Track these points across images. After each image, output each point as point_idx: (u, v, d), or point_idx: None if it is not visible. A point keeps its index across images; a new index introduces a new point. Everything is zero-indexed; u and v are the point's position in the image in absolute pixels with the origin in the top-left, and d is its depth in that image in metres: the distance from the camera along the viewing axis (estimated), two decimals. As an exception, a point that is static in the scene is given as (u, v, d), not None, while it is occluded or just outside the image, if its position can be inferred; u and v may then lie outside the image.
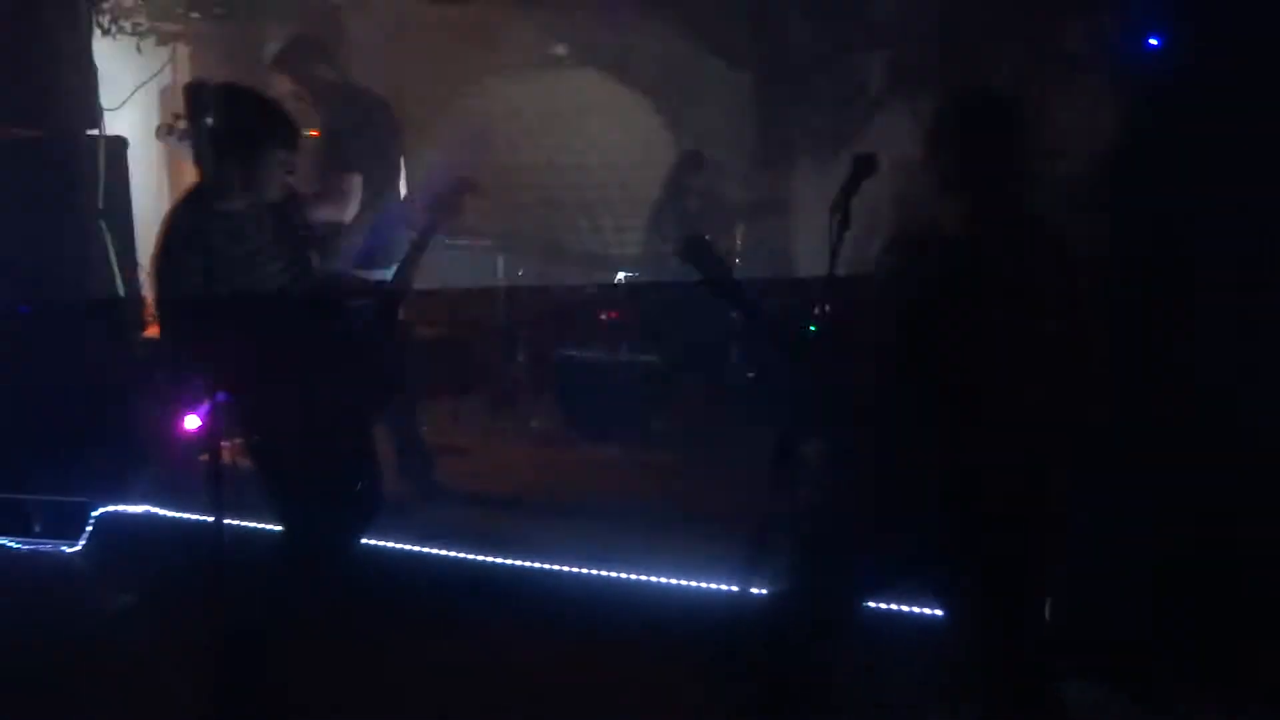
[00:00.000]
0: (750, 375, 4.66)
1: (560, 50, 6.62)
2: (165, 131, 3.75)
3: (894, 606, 2.98)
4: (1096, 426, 2.14)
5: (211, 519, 2.27)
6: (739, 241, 5.09)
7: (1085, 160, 2.99)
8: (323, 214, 3.52)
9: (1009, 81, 3.50)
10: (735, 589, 3.07)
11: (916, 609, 2.98)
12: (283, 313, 2.66)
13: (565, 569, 3.35)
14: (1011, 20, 3.74)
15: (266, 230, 2.66)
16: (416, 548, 3.50)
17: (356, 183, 3.67)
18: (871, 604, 2.59)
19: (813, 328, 2.05)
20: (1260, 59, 2.71)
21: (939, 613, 2.55)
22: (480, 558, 3.43)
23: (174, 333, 2.76)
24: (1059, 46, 3.50)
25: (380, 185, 3.79)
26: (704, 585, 3.24)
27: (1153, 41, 2.99)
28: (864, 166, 2.01)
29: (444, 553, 3.47)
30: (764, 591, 2.25)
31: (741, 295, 2.26)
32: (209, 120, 2.07)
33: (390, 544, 3.47)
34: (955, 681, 2.40)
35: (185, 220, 2.53)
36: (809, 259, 5.06)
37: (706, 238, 2.33)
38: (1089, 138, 3.08)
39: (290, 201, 2.80)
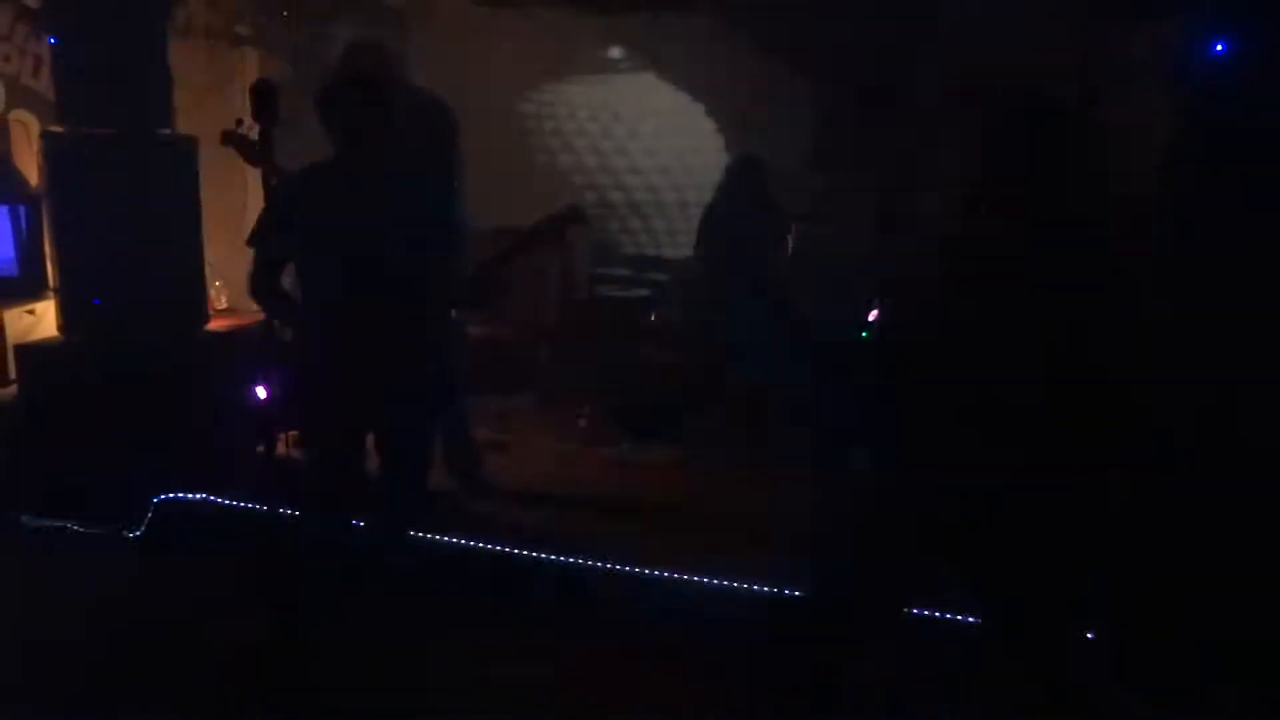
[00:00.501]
0: (797, 379, 4.64)
1: (616, 54, 6.67)
2: (229, 138, 3.87)
3: (930, 612, 2.98)
4: (1134, 435, 2.12)
5: (268, 507, 2.35)
6: (791, 246, 5.06)
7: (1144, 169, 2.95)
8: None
9: (1060, 90, 3.44)
10: (779, 591, 3.09)
11: (950, 614, 2.97)
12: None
13: (609, 566, 3.39)
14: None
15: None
16: (464, 541, 3.55)
17: None
18: (911, 608, 2.59)
19: (864, 334, 2.06)
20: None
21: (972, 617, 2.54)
22: (525, 552, 3.48)
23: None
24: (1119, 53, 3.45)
25: (442, 185, 3.85)
26: (746, 586, 3.23)
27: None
28: (902, 175, 2.00)
29: (489, 547, 3.52)
30: (807, 594, 2.26)
31: (789, 314, 2.27)
32: (273, 118, 2.13)
33: (438, 537, 3.54)
34: (988, 683, 2.39)
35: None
36: (862, 264, 5.04)
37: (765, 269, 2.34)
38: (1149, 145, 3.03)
39: None
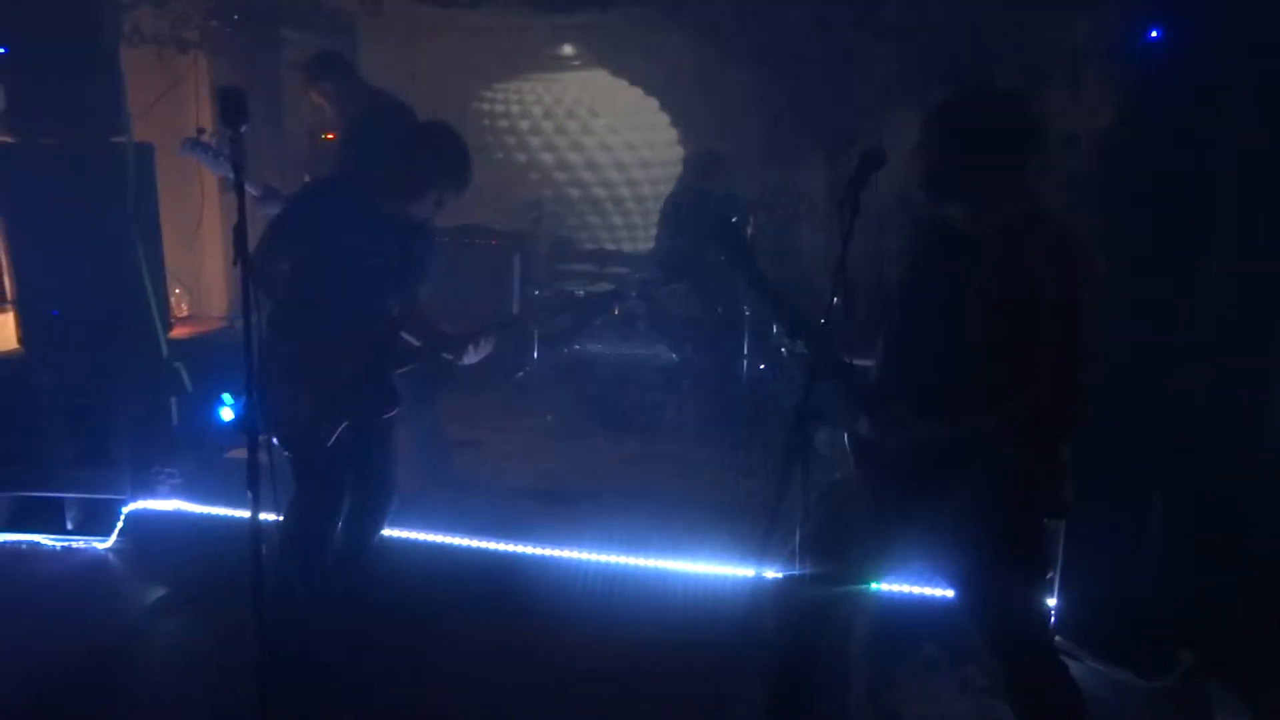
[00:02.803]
0: (761, 366, 4.73)
1: (568, 51, 6.71)
2: (190, 145, 3.85)
3: (905, 589, 3.07)
4: (1109, 410, 2.18)
5: (245, 514, 2.35)
6: (750, 236, 5.14)
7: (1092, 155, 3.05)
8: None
9: (1007, 77, 3.54)
10: (748, 574, 3.16)
11: (927, 591, 3.06)
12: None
13: (579, 556, 3.46)
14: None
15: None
16: (436, 537, 3.59)
17: None
18: (883, 586, 2.65)
19: (823, 320, 2.11)
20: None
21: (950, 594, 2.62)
22: (497, 546, 3.53)
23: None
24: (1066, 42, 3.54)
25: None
26: (717, 571, 3.32)
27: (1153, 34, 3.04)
28: (871, 161, 2.07)
29: (462, 542, 3.56)
30: (777, 576, 2.31)
31: (764, 282, 2.32)
32: (242, 125, 2.14)
33: (410, 534, 3.57)
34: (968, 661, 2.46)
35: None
36: (819, 253, 5.14)
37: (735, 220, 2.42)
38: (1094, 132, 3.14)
39: None
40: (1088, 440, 2.26)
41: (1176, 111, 2.91)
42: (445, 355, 2.93)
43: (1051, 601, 3.01)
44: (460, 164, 2.86)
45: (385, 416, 2.98)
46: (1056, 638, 2.84)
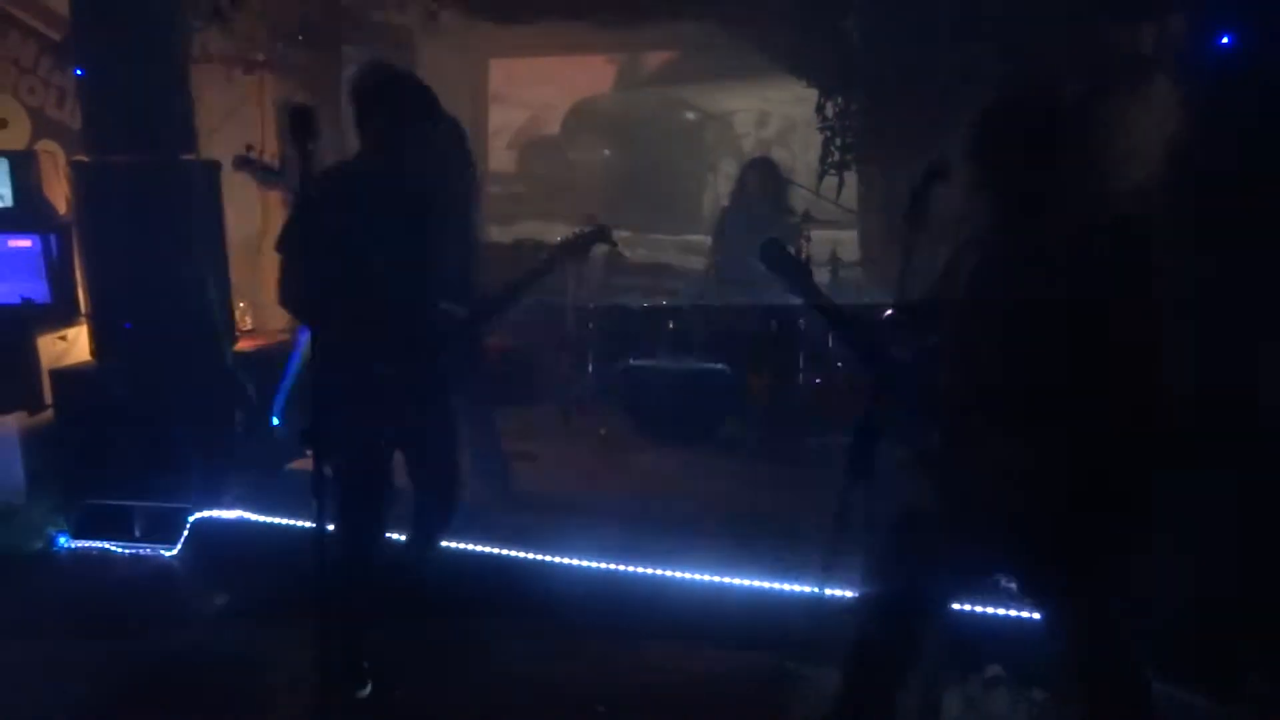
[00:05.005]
0: (818, 381, 4.68)
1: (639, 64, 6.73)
2: (241, 163, 3.94)
3: (982, 609, 3.00)
4: (1179, 426, 2.12)
5: (308, 524, 2.38)
6: (805, 248, 5.11)
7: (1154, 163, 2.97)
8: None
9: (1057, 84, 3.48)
10: (809, 591, 3.12)
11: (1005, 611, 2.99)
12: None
13: (630, 569, 3.44)
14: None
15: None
16: (493, 549, 3.61)
17: None
18: (957, 605, 2.59)
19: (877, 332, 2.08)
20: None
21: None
22: (553, 559, 3.53)
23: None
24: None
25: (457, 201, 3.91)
26: (774, 587, 3.28)
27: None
28: (934, 173, 2.04)
29: (519, 554, 3.56)
30: (841, 594, 2.27)
31: (819, 296, 2.30)
32: (311, 143, 2.17)
33: (467, 546, 3.59)
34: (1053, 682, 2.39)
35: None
36: (880, 265, 5.08)
37: (780, 240, 2.38)
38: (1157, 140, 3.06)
39: None
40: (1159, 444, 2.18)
41: (1248, 117, 2.83)
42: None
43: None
44: (411, 85, 2.78)
45: (436, 416, 2.91)
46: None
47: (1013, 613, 2.95)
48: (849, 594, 2.18)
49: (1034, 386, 2.03)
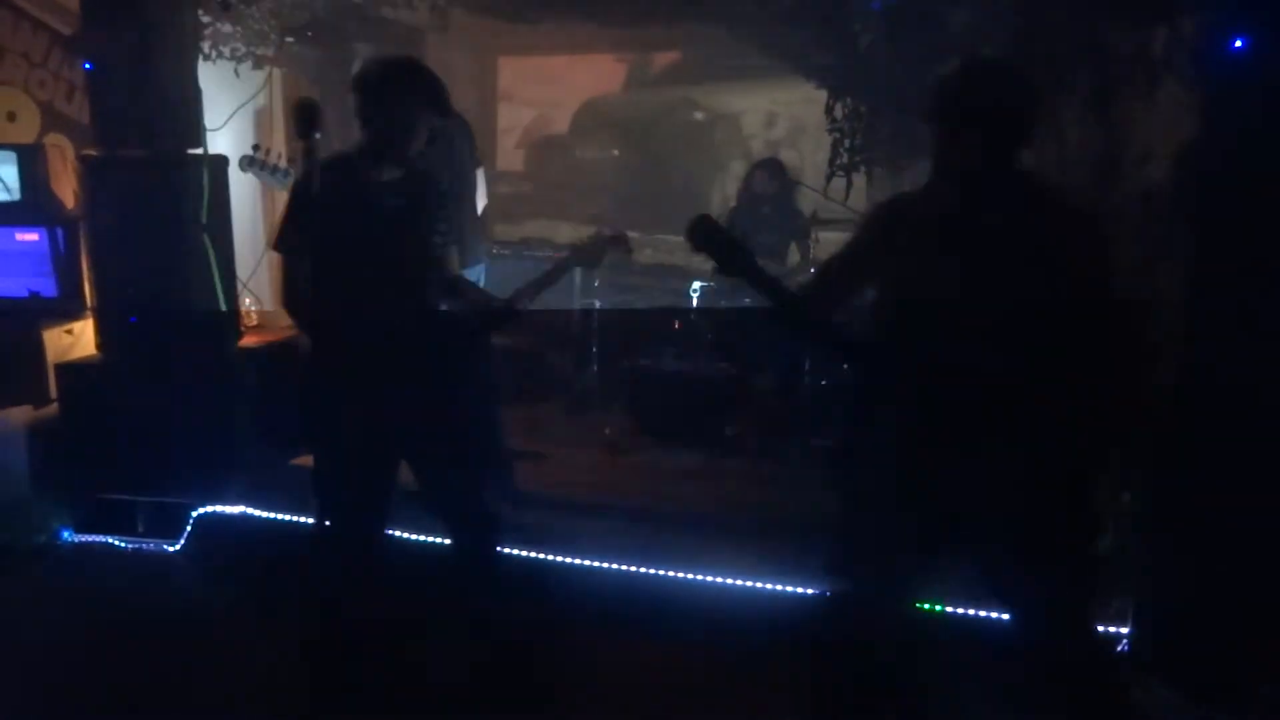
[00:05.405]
0: (822, 382, 4.66)
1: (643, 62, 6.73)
2: (248, 163, 3.94)
3: (959, 610, 2.99)
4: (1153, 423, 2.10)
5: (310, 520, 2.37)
6: (813, 250, 5.10)
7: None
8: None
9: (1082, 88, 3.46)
10: (802, 590, 3.12)
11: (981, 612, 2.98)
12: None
13: (635, 569, 3.43)
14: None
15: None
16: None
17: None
18: (929, 605, 2.58)
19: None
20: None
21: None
22: (556, 559, 3.52)
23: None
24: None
25: (457, 197, 3.91)
26: (768, 586, 3.28)
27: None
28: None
29: (522, 553, 3.55)
30: (826, 592, 2.26)
31: (759, 275, 2.16)
32: (317, 135, 2.17)
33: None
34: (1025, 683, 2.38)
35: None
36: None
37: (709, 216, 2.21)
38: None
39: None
40: (1164, 446, 2.17)
41: (1262, 120, 2.81)
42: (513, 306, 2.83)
43: (1124, 629, 2.91)
44: (421, 74, 2.70)
45: (442, 426, 2.81)
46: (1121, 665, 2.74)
47: (991, 614, 2.94)
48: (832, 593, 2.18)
49: (993, 384, 1.98)
